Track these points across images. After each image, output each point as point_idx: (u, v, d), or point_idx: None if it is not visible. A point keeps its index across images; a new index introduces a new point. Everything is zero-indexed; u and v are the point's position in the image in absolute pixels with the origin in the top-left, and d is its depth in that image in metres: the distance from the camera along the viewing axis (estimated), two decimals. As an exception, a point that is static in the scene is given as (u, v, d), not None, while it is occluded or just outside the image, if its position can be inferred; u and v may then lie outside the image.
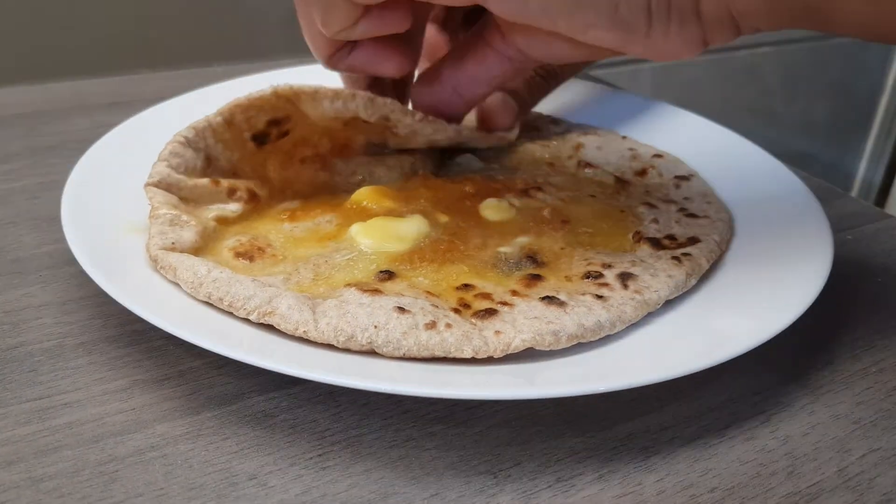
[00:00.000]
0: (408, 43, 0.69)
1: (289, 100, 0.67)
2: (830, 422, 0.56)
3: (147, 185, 0.64)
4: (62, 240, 0.60)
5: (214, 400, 0.55)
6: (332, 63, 0.66)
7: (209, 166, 0.68)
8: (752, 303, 0.60)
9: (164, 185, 0.64)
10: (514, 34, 0.65)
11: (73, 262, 0.58)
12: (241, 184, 0.69)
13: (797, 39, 1.88)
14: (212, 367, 0.57)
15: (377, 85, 0.73)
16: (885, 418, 0.57)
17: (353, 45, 0.66)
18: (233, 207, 0.67)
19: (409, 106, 0.73)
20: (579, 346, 0.56)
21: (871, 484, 0.51)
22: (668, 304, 0.61)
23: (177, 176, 0.65)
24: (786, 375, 0.60)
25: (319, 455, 0.51)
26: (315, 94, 0.66)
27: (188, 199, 0.66)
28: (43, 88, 1.03)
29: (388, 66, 0.67)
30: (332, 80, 0.75)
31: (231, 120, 0.67)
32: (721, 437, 0.54)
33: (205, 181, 0.67)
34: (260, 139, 0.69)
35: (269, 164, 0.71)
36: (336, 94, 0.67)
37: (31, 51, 1.06)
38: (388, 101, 0.69)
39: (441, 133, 0.73)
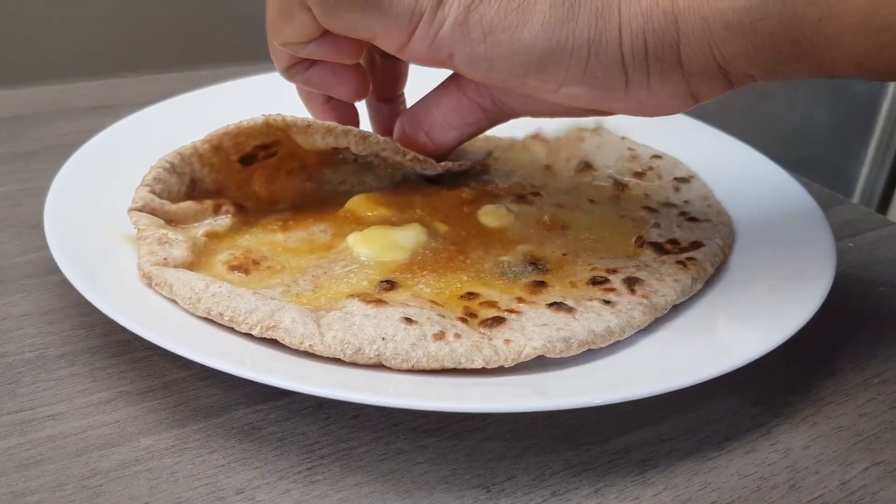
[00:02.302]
0: (364, 68, 0.69)
1: (280, 129, 0.67)
2: (832, 434, 0.56)
3: (130, 209, 0.64)
4: (44, 248, 0.60)
5: (200, 412, 0.55)
6: (289, 74, 0.66)
7: (194, 189, 0.68)
8: (755, 312, 0.61)
9: (148, 210, 0.64)
10: (490, 86, 0.65)
11: (55, 270, 0.58)
12: (226, 199, 0.69)
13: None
14: (198, 378, 0.57)
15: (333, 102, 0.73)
16: (888, 430, 0.57)
17: (312, 61, 0.65)
18: (221, 221, 0.67)
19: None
20: (587, 355, 0.56)
21: (874, 498, 0.51)
22: (673, 309, 0.61)
23: (160, 201, 0.65)
24: (786, 386, 0.60)
25: (308, 469, 0.51)
26: (307, 129, 0.66)
27: (173, 220, 0.66)
28: (25, 92, 1.03)
29: (344, 90, 0.67)
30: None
31: (219, 146, 0.67)
32: (720, 449, 0.54)
33: (188, 203, 0.67)
34: (247, 160, 0.69)
35: (254, 179, 0.71)
36: (328, 130, 0.67)
37: (13, 54, 1.06)
38: (381, 139, 0.69)
39: (430, 170, 0.73)
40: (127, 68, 1.11)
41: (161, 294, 0.58)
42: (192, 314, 0.57)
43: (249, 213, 0.69)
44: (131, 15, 1.13)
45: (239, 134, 0.66)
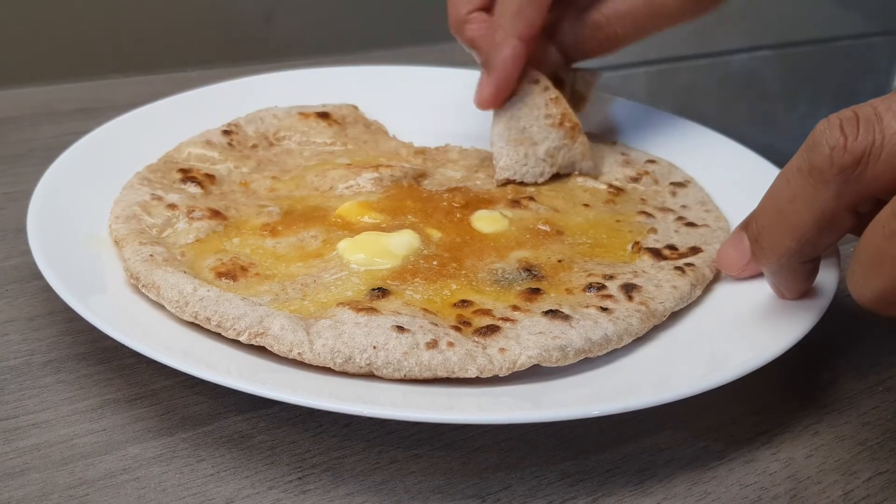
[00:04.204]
0: None
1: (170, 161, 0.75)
2: (835, 443, 0.56)
3: (111, 227, 0.65)
4: (29, 252, 0.59)
5: (189, 420, 0.55)
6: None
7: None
8: (756, 320, 0.60)
9: (123, 219, 0.65)
10: None
11: (40, 275, 0.58)
12: (199, 203, 0.69)
13: (798, 42, 1.88)
14: (185, 386, 0.57)
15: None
16: (892, 439, 0.57)
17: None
18: (198, 225, 0.67)
19: None
20: (584, 363, 0.56)
21: (877, 508, 0.52)
22: (672, 316, 0.62)
23: (139, 211, 0.67)
24: (788, 394, 0.60)
25: (299, 478, 0.51)
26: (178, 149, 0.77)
27: (153, 226, 0.66)
28: (10, 94, 1.03)
29: None
30: (301, 85, 0.75)
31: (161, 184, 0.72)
32: (720, 459, 0.54)
33: (161, 209, 0.68)
34: (194, 181, 0.73)
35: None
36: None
37: (-4, 55, 1.06)
38: None
39: None
40: (113, 69, 1.11)
41: (148, 296, 0.58)
42: (179, 318, 0.57)
43: (227, 218, 0.69)
44: (118, 14, 1.13)
45: (156, 171, 0.76)
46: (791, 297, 0.60)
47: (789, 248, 0.55)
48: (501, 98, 0.77)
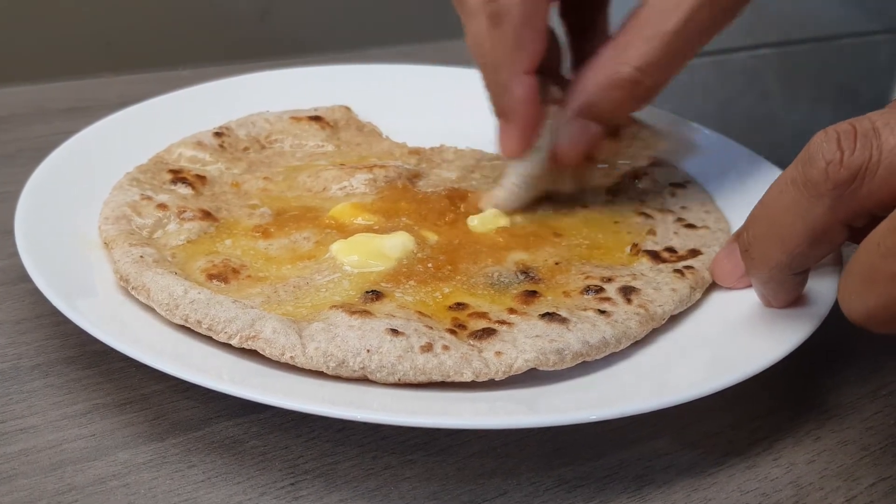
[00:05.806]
0: None
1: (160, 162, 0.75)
2: (837, 448, 0.56)
3: (100, 228, 0.65)
4: (17, 254, 0.59)
5: (179, 425, 0.55)
6: None
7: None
8: (757, 323, 0.60)
9: (112, 220, 0.65)
10: None
11: (28, 278, 0.57)
12: (190, 204, 0.70)
13: (800, 41, 1.88)
14: (176, 390, 0.57)
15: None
16: (895, 445, 0.57)
17: None
18: (188, 226, 0.67)
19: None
20: (582, 367, 0.56)
21: (880, 514, 0.51)
22: (671, 319, 0.61)
23: (128, 211, 0.67)
24: (789, 399, 0.60)
25: (292, 484, 0.51)
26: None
27: (143, 227, 0.66)
28: (-2, 93, 1.03)
29: None
30: (295, 84, 0.75)
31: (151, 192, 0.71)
32: (720, 464, 0.54)
33: (151, 209, 0.68)
34: (185, 182, 0.73)
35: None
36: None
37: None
38: None
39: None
40: (105, 68, 1.11)
41: (138, 299, 0.58)
42: (170, 321, 0.57)
43: (219, 219, 0.69)
44: (109, 12, 1.13)
45: (147, 171, 0.75)
46: (778, 307, 0.60)
47: (780, 261, 0.55)
48: (529, 142, 0.70)
